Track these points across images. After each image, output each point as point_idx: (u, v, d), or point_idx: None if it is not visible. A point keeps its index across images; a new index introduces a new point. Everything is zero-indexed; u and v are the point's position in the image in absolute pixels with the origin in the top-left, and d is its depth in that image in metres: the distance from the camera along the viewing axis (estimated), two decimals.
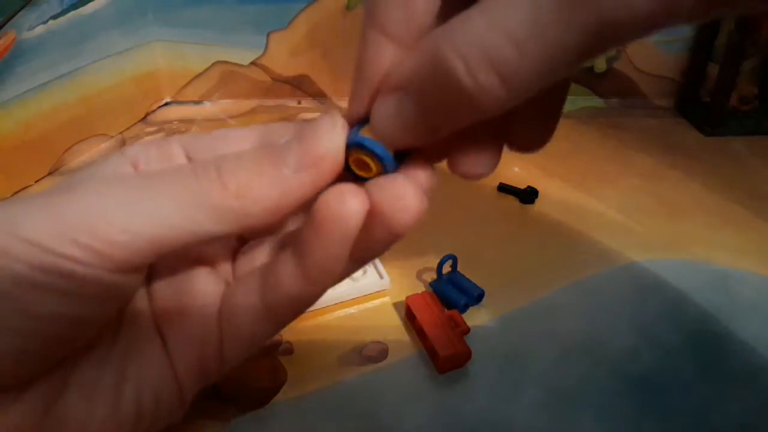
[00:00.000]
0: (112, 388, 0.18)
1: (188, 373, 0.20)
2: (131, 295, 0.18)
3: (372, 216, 0.17)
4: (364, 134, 0.17)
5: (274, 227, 0.21)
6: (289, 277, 0.18)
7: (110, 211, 0.16)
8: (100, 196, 0.16)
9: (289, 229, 0.21)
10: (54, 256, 0.15)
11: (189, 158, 0.20)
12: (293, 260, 0.18)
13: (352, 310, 0.34)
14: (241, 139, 0.21)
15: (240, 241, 0.22)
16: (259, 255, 0.21)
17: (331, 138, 0.17)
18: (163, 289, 0.20)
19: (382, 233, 0.17)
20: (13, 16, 0.41)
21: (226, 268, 0.21)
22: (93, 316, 0.17)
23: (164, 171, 0.17)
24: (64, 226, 0.16)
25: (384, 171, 0.18)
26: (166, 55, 0.57)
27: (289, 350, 0.32)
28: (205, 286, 0.20)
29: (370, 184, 0.17)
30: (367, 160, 0.18)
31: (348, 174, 0.18)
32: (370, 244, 0.18)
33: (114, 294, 0.17)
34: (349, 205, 0.16)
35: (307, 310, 0.33)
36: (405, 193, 0.17)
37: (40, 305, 0.16)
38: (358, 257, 0.18)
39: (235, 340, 0.19)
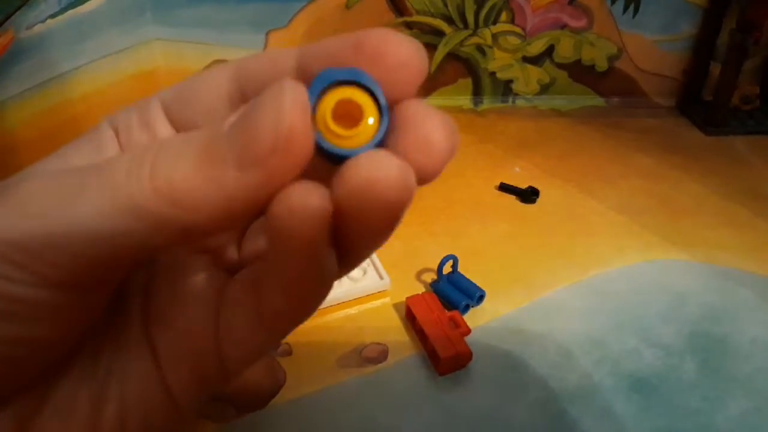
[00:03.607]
0: (90, 407, 0.17)
1: (182, 384, 0.17)
2: (91, 314, 0.16)
3: (344, 214, 0.13)
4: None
5: (241, 225, 0.18)
6: (271, 291, 0.15)
7: (33, 220, 0.14)
8: (27, 199, 0.14)
9: None
10: None
11: (170, 120, 0.18)
12: (272, 275, 0.15)
13: (352, 310, 0.34)
14: (214, 87, 0.17)
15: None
16: (261, 239, 0.18)
17: (279, 119, 0.12)
18: (160, 289, 0.18)
19: (364, 230, 0.13)
20: (11, 15, 0.41)
21: (230, 256, 0.18)
22: (45, 337, 0.15)
23: (100, 164, 0.15)
24: None
25: (381, 115, 0.13)
26: (165, 54, 0.57)
27: (288, 351, 0.31)
28: (203, 280, 0.17)
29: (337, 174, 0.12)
30: (358, 101, 0.13)
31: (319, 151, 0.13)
32: (357, 243, 0.14)
33: (64, 314, 0.15)
34: (306, 209, 0.12)
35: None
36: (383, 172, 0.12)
37: None
38: (348, 259, 0.15)
39: (233, 344, 0.17)
